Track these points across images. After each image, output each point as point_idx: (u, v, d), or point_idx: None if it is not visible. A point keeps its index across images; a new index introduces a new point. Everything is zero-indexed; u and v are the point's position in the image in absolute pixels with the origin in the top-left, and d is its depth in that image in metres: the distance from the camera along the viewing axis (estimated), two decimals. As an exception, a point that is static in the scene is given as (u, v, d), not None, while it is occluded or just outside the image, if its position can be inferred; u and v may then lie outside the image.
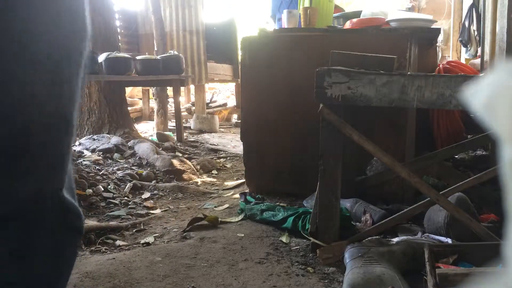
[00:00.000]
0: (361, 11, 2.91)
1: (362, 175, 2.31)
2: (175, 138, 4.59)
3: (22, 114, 0.56)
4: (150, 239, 2.01)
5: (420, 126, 2.30)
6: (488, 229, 1.58)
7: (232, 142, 4.85)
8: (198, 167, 3.48)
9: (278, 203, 2.32)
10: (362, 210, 2.04)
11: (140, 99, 6.75)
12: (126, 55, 4.22)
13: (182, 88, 6.30)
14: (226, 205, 2.50)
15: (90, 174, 2.92)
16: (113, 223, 2.22)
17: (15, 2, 0.53)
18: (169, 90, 5.20)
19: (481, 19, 3.58)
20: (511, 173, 0.26)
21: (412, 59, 2.22)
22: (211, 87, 8.89)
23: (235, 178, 3.22)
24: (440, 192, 1.64)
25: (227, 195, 2.79)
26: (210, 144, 4.57)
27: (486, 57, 3.00)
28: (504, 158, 0.26)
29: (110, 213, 2.41)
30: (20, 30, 0.54)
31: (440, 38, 6.57)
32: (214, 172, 3.46)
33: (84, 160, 3.27)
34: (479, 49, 3.76)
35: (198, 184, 3.10)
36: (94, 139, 3.84)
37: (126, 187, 2.79)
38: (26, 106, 0.56)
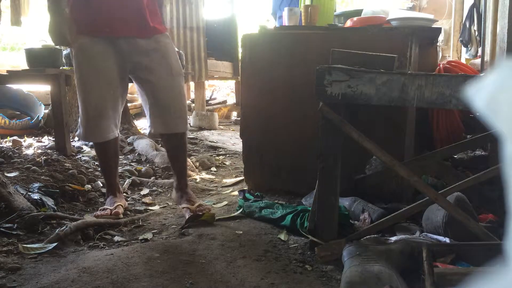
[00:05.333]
0: (362, 9, 2.91)
1: (361, 173, 2.31)
2: (175, 135, 4.57)
3: None
4: (149, 235, 2.01)
5: (420, 126, 2.30)
6: (486, 229, 1.58)
7: (231, 139, 4.84)
8: (197, 164, 3.47)
9: (276, 201, 2.32)
10: (361, 209, 2.04)
11: (140, 95, 6.73)
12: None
13: (182, 85, 6.27)
14: (225, 202, 2.50)
15: (89, 170, 2.92)
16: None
17: None
18: (169, 87, 5.18)
19: (482, 19, 3.58)
20: (512, 171, 0.26)
21: (412, 58, 2.22)
22: (211, 84, 8.87)
23: (234, 176, 3.22)
24: (439, 192, 1.64)
25: (225, 192, 2.79)
26: (210, 141, 4.56)
27: (487, 57, 3.01)
28: (506, 156, 0.26)
29: (108, 209, 2.41)
30: None
31: (441, 38, 6.57)
32: (213, 169, 3.45)
33: (83, 156, 3.27)
34: (480, 49, 3.76)
35: (197, 181, 3.10)
36: (93, 135, 3.83)
37: (125, 183, 2.79)
38: None
